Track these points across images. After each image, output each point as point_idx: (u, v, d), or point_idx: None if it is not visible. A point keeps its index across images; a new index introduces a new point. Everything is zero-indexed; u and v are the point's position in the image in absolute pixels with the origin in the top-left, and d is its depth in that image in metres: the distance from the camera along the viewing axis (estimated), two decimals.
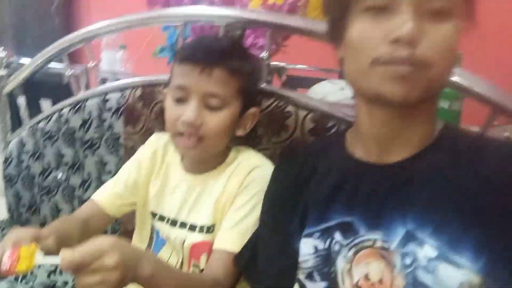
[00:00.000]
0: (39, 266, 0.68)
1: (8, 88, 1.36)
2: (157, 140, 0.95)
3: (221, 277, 0.74)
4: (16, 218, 1.40)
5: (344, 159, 0.67)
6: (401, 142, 0.61)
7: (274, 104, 0.90)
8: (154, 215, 0.90)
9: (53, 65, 1.25)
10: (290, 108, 0.89)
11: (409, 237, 0.56)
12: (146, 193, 0.92)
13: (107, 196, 0.91)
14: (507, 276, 0.50)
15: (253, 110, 0.84)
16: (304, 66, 1.66)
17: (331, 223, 0.64)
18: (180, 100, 0.78)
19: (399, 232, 0.57)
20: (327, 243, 0.63)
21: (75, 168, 1.23)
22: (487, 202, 0.53)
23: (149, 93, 1.05)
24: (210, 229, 0.83)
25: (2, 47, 1.35)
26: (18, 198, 1.37)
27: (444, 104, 1.01)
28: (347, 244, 0.62)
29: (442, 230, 0.54)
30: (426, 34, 0.52)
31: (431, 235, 0.55)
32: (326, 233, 0.64)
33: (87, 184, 1.22)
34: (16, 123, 1.44)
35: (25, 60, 1.32)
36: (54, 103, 1.34)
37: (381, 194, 0.60)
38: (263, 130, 0.91)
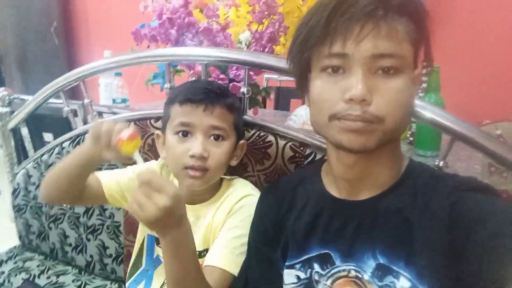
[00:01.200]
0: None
1: (11, 124, 1.44)
2: (156, 166, 1.01)
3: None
4: (27, 244, 1.49)
5: (319, 194, 0.72)
6: (368, 182, 0.65)
7: (256, 134, 0.97)
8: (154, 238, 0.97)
9: (53, 100, 1.33)
10: (270, 137, 0.96)
11: (385, 270, 0.61)
12: None
13: (109, 179, 0.98)
14: None
15: (242, 141, 0.93)
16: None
17: (311, 254, 0.69)
18: (184, 136, 0.85)
19: (370, 264, 0.63)
20: (308, 273, 0.69)
21: None
22: (434, 235, 0.57)
23: (142, 126, 1.12)
24: (202, 254, 0.89)
25: (4, 87, 1.43)
26: (27, 226, 1.45)
27: None
28: (325, 274, 0.67)
29: (411, 264, 0.59)
30: (379, 90, 0.57)
31: (405, 268, 0.59)
32: (307, 264, 0.70)
33: (90, 211, 1.29)
34: (22, 155, 1.52)
35: (26, 97, 1.40)
36: (55, 135, 1.41)
37: (350, 229, 0.65)
38: (248, 159, 0.98)
